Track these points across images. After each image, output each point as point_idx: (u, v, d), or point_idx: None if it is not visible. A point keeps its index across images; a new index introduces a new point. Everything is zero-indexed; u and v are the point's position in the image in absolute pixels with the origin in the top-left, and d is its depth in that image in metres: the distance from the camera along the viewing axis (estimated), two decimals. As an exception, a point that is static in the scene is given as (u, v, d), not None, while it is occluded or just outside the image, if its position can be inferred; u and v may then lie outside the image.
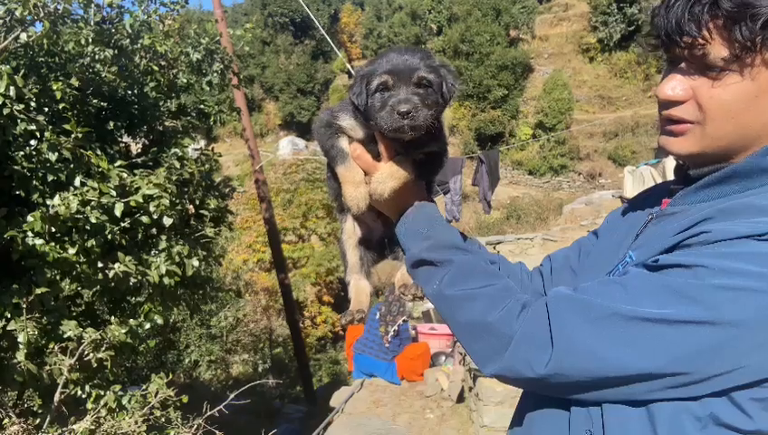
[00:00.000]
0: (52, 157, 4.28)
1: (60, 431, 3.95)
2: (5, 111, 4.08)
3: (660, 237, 1.08)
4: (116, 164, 4.65)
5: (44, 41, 4.75)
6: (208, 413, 4.57)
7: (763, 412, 0.96)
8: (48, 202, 4.32)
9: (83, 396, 4.56)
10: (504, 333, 1.07)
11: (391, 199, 1.33)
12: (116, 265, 4.58)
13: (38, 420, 4.29)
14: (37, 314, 4.29)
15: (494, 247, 13.99)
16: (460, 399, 7.51)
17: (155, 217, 4.67)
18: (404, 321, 8.68)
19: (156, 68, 5.71)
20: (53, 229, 4.32)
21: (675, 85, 1.06)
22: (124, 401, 4.63)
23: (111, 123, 5.47)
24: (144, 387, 4.81)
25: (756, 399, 0.96)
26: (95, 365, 4.49)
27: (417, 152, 1.33)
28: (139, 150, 5.86)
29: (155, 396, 4.59)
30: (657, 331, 0.95)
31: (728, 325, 0.91)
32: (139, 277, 4.75)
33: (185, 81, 6.10)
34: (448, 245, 1.25)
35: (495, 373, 1.10)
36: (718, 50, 0.98)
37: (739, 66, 0.98)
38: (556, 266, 1.49)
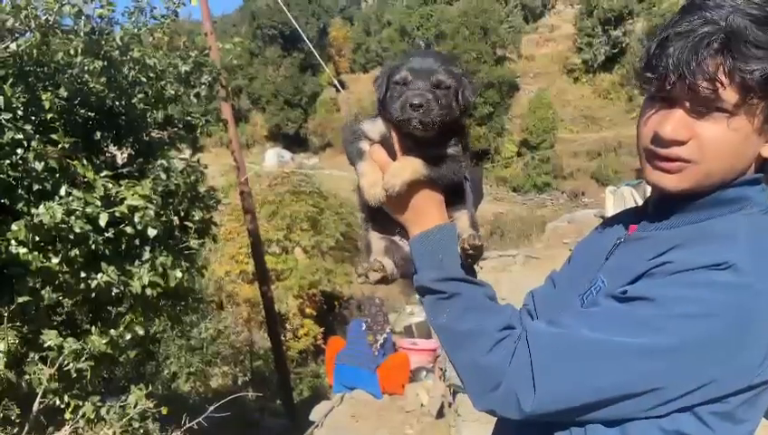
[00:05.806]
0: (39, 166, 4.29)
1: (37, 441, 3.94)
2: (-7, 120, 4.11)
3: (630, 263, 1.15)
4: (102, 174, 4.67)
5: (34, 51, 4.76)
6: (187, 425, 4.57)
7: (722, 422, 1.08)
8: (33, 211, 4.31)
9: (62, 406, 4.54)
10: (497, 373, 1.12)
11: (405, 198, 1.28)
12: (99, 276, 4.58)
13: (16, 430, 4.26)
14: (18, 323, 4.28)
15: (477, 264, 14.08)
16: (440, 414, 7.53)
17: (139, 227, 4.68)
18: (390, 331, 8.75)
19: (144, 79, 5.74)
20: (37, 238, 4.32)
21: (677, 126, 1.08)
22: (102, 412, 4.61)
23: (98, 133, 5.47)
24: (123, 398, 4.80)
25: (716, 413, 1.07)
26: (74, 375, 4.48)
27: (430, 151, 1.31)
28: (125, 161, 5.87)
29: (134, 407, 4.58)
30: (628, 359, 1.04)
31: (691, 349, 1.01)
32: (122, 288, 4.75)
33: (172, 92, 6.13)
34: (458, 277, 1.25)
35: (486, 409, 1.17)
36: (730, 95, 1.02)
37: (745, 111, 1.04)
38: (539, 301, 1.49)
